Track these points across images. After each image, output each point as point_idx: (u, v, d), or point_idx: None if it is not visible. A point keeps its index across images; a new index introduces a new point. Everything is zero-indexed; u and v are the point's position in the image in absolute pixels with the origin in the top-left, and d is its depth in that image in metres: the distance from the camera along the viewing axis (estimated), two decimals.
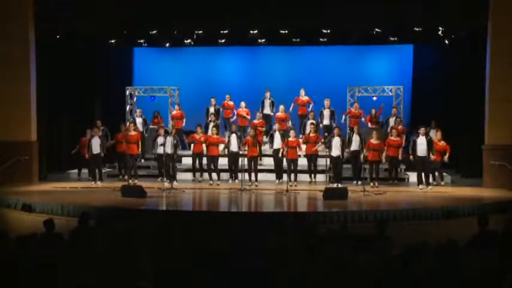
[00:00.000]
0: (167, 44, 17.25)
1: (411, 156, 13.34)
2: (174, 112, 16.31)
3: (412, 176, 14.29)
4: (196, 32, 16.21)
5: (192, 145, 14.78)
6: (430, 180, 13.50)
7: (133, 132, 14.19)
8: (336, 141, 13.58)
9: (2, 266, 5.05)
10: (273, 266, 5.01)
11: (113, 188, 13.10)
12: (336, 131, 13.82)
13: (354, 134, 13.95)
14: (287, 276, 4.68)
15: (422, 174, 13.34)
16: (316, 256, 5.29)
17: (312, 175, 14.28)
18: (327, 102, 15.71)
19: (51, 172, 15.63)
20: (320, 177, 14.23)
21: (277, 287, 4.71)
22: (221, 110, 16.35)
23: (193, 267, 5.01)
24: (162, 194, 12.54)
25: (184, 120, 16.31)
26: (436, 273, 4.76)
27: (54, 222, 6.99)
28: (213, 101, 16.28)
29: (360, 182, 13.60)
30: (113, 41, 16.71)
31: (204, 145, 14.16)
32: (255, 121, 15.49)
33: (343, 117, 15.73)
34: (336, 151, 13.55)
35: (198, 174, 14.70)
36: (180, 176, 14.95)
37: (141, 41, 17.07)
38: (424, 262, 4.94)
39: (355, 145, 13.79)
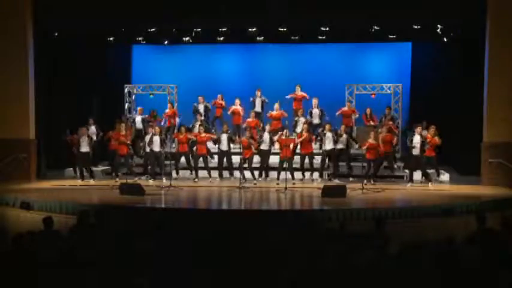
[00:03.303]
0: (165, 42, 17.25)
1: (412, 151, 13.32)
2: (167, 110, 16.28)
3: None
4: (194, 29, 16.21)
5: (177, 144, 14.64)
6: (422, 178, 13.72)
7: (123, 133, 14.14)
8: (329, 136, 13.76)
9: (0, 264, 5.06)
10: (273, 265, 5.02)
11: (111, 185, 13.12)
12: (327, 126, 13.97)
13: (327, 132, 14.03)
14: (287, 276, 4.69)
15: (414, 172, 13.55)
16: (316, 254, 5.31)
17: (306, 173, 14.35)
18: (315, 101, 15.74)
19: (50, 170, 15.62)
20: (314, 176, 14.32)
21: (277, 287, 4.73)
22: (211, 106, 16.37)
23: (192, 266, 5.02)
24: (160, 192, 12.56)
25: (177, 118, 16.33)
26: (434, 271, 4.78)
27: (53, 220, 6.99)
28: (200, 99, 16.29)
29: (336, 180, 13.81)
30: (111, 39, 16.70)
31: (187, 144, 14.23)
32: (249, 119, 15.51)
33: (337, 114, 15.73)
34: (329, 145, 13.68)
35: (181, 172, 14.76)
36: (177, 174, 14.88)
37: (140, 38, 17.06)
38: (422, 260, 4.96)
39: (329, 143, 13.94)
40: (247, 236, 6.07)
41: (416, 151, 13.22)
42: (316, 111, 15.70)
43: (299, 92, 16.07)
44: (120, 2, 14.50)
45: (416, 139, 13.26)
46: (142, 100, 17.19)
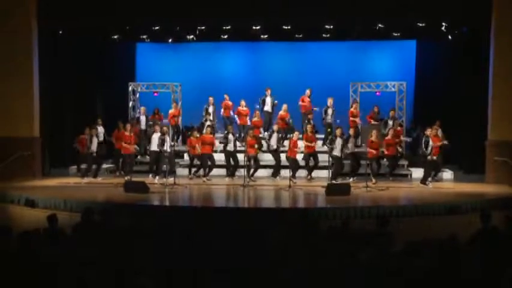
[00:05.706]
0: (170, 40, 17.25)
1: (428, 157, 12.95)
2: (171, 110, 16.23)
3: (415, 172, 14.31)
4: (198, 27, 16.21)
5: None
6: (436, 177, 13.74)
7: (128, 133, 14.09)
8: (338, 142, 13.64)
9: (5, 261, 5.08)
10: (275, 264, 5.01)
11: (115, 183, 13.14)
12: (338, 131, 13.86)
13: (351, 136, 14.06)
14: (289, 275, 4.69)
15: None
16: (318, 253, 5.30)
17: (311, 172, 14.27)
18: (330, 101, 15.72)
19: (55, 168, 15.66)
20: (319, 174, 14.30)
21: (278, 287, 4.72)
22: (221, 109, 16.38)
23: (195, 265, 5.02)
24: (164, 190, 12.58)
25: (180, 117, 16.35)
26: (438, 270, 4.77)
27: (57, 218, 6.99)
28: (211, 100, 16.27)
29: (354, 178, 13.70)
30: (115, 37, 16.71)
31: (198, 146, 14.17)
32: (254, 119, 15.50)
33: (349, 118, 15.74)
34: (338, 151, 13.60)
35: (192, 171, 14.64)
36: (181, 172, 14.86)
37: (144, 36, 17.07)
38: (426, 258, 4.94)
39: (352, 145, 13.98)
40: (248, 234, 6.07)
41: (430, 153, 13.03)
42: (330, 111, 15.71)
43: (307, 98, 16.03)
44: (125, 0, 14.52)
45: (431, 143, 12.98)
46: (147, 98, 17.19)
